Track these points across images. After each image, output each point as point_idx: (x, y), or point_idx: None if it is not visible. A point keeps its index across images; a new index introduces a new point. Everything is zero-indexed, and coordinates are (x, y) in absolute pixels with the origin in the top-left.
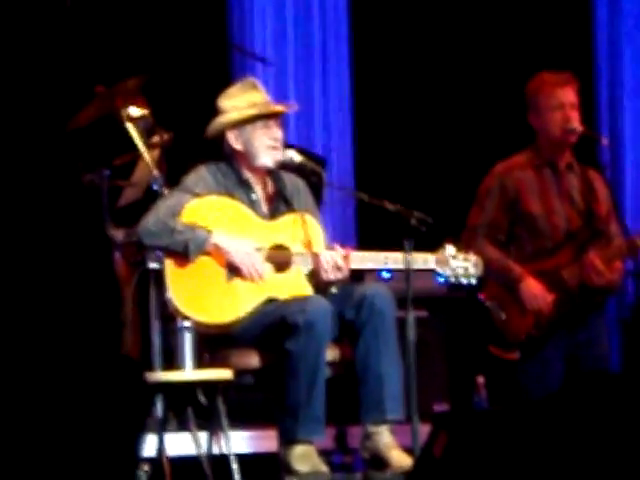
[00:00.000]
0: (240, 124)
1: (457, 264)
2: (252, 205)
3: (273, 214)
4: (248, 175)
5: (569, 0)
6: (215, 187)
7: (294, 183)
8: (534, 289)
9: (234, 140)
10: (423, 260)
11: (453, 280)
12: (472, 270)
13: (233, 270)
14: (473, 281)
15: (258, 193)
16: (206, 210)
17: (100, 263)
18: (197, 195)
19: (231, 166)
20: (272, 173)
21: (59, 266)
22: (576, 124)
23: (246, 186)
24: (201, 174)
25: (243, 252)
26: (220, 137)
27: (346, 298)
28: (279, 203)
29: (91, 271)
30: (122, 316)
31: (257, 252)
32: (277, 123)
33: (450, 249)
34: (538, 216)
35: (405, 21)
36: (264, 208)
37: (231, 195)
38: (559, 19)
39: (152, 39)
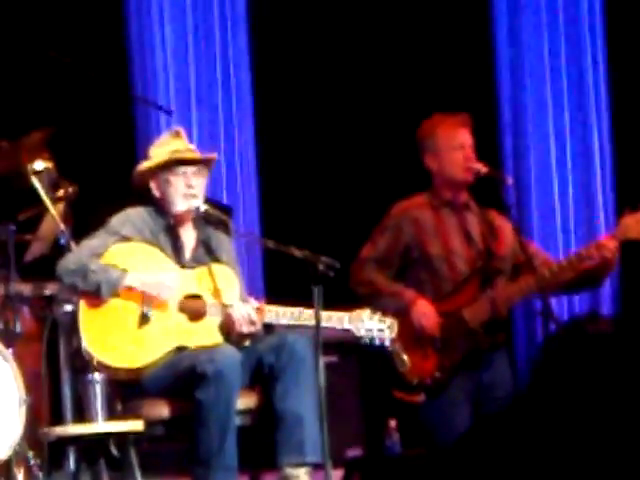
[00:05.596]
0: (158, 171)
1: (372, 325)
2: (175, 251)
3: (194, 262)
4: (174, 221)
5: (470, 39)
6: (141, 229)
7: (220, 238)
8: (423, 308)
9: (154, 188)
10: (338, 319)
11: (367, 341)
12: (387, 332)
13: (148, 303)
14: (387, 343)
15: (183, 240)
16: (126, 254)
17: None
18: (124, 237)
19: (159, 212)
20: (199, 222)
21: None
22: (479, 165)
23: (172, 232)
24: (128, 215)
25: (156, 281)
26: (147, 185)
27: (266, 342)
28: (202, 252)
29: None
30: None
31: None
32: (198, 172)
33: (366, 310)
34: (437, 257)
35: (306, 69)
36: (187, 255)
37: (156, 239)
38: (460, 59)
39: (55, 92)
